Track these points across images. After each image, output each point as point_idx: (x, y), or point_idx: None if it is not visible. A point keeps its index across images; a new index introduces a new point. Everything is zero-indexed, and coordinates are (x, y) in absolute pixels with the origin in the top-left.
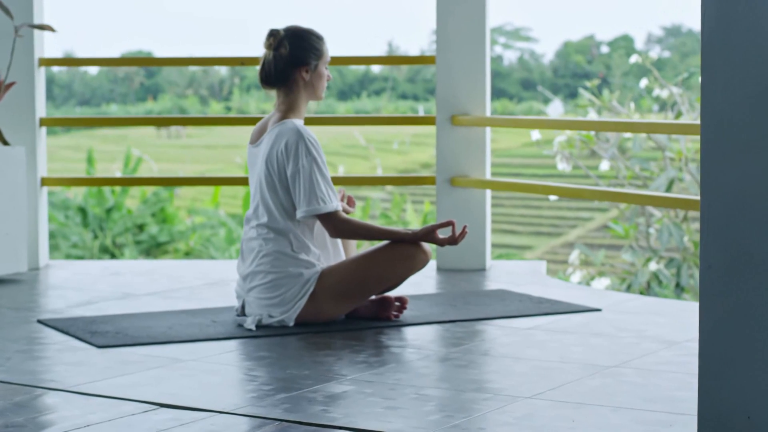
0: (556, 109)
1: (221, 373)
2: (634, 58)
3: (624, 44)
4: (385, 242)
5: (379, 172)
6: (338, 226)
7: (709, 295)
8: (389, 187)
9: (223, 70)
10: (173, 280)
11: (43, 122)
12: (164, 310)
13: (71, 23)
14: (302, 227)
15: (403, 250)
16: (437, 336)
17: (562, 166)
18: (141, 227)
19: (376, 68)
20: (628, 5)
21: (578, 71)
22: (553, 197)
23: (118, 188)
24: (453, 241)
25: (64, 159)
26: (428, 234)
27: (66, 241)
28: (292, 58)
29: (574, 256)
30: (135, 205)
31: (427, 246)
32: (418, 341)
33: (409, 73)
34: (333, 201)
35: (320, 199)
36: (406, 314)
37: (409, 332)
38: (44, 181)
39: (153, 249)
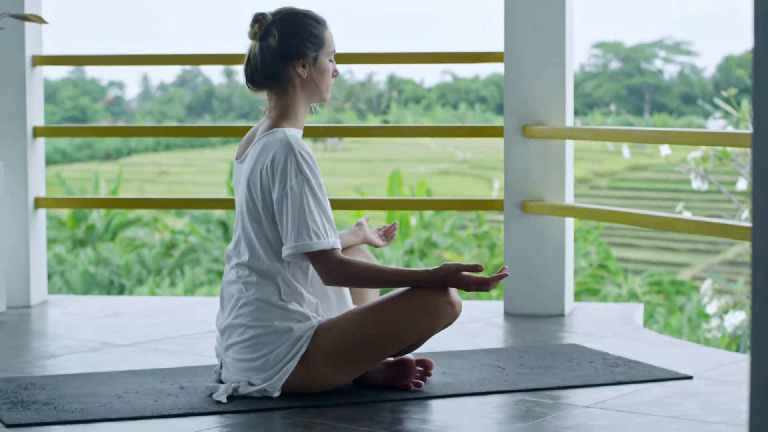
0: (717, 123)
1: None
2: None
3: None
4: (401, 289)
5: (494, 195)
6: (334, 269)
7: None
8: None
9: (381, 85)
10: (176, 324)
11: (37, 132)
12: (132, 369)
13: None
14: (293, 269)
15: (423, 301)
16: (466, 415)
17: (697, 184)
18: None
19: None
20: None
21: (740, 85)
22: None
23: None
24: (483, 283)
25: (221, 172)
26: (451, 274)
27: (207, 255)
28: (283, 49)
29: (707, 285)
30: None
31: (456, 295)
32: (437, 423)
33: None
34: (329, 236)
35: (312, 233)
36: (433, 381)
37: (432, 408)
38: (38, 203)
39: None
